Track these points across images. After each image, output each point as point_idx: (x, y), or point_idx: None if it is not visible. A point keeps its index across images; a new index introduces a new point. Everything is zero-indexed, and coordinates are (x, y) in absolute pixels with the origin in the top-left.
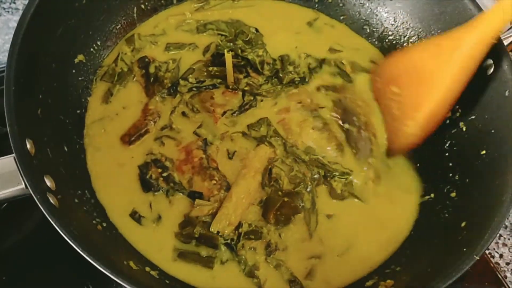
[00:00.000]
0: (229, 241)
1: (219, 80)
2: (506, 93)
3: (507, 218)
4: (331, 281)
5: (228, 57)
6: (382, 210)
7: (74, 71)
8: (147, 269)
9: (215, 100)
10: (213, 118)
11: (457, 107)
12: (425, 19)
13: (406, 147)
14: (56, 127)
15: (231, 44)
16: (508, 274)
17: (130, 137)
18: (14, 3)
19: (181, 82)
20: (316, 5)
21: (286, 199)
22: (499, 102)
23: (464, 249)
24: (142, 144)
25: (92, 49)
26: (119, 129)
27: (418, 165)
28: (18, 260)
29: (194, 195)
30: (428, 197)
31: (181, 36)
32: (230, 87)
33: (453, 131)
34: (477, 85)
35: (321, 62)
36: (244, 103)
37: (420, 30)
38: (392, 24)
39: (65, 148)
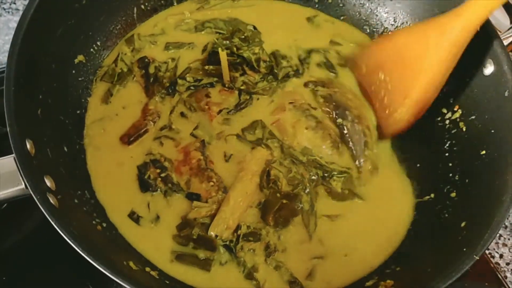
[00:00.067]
0: (227, 242)
1: (215, 79)
2: (506, 93)
3: (507, 218)
4: (331, 281)
5: (223, 55)
6: (381, 209)
7: (74, 71)
8: (147, 269)
9: (211, 98)
10: (208, 116)
11: (457, 107)
12: (425, 19)
13: (396, 131)
14: (56, 128)
15: (227, 42)
16: (508, 274)
17: (129, 137)
18: (15, 3)
19: (179, 81)
20: (316, 5)
21: (284, 201)
22: (499, 102)
23: (464, 249)
24: (141, 144)
25: (92, 50)
26: (118, 129)
27: (418, 165)
28: (18, 260)
29: (192, 197)
30: (428, 197)
31: (180, 36)
32: (227, 85)
33: (453, 131)
34: (477, 85)
35: (310, 52)
36: (241, 102)
37: None
38: (392, 24)
39: (65, 149)
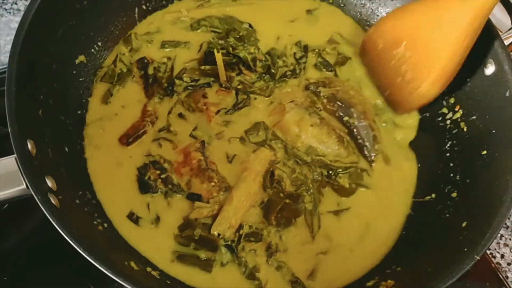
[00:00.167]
0: (229, 242)
1: (212, 79)
2: (507, 94)
3: (508, 218)
4: (333, 280)
5: (218, 56)
6: (386, 195)
7: (75, 72)
8: (148, 269)
9: (208, 98)
10: (206, 116)
11: (458, 107)
12: None
13: (421, 105)
14: (57, 128)
15: (223, 42)
16: (509, 275)
17: (128, 138)
18: (16, 4)
19: (176, 81)
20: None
21: (287, 201)
22: (500, 102)
23: (465, 249)
24: (140, 145)
25: (93, 50)
26: (118, 129)
27: (419, 165)
28: (19, 260)
29: (193, 197)
30: (429, 197)
31: (176, 34)
32: (223, 85)
33: (454, 132)
34: (478, 85)
35: (305, 49)
36: (238, 101)
37: None
38: None
39: (66, 149)
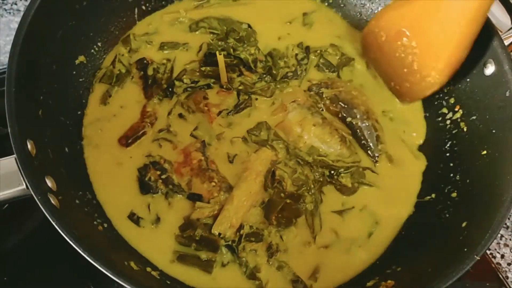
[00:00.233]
0: (230, 242)
1: (213, 80)
2: (507, 94)
3: (508, 218)
4: (335, 278)
5: (221, 59)
6: (391, 185)
7: (74, 72)
8: (148, 269)
9: (209, 100)
10: (208, 117)
11: (458, 107)
12: None
13: (429, 94)
14: (56, 128)
15: (223, 43)
16: (509, 275)
17: (127, 139)
18: (16, 4)
19: (176, 83)
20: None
21: (288, 201)
22: (500, 102)
23: (465, 249)
24: (140, 146)
25: (93, 50)
26: (117, 129)
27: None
28: (19, 261)
29: (193, 197)
30: (429, 197)
31: (175, 35)
32: (224, 86)
33: (454, 132)
34: (478, 85)
35: (307, 50)
36: (240, 102)
37: None
38: None
39: (66, 149)
